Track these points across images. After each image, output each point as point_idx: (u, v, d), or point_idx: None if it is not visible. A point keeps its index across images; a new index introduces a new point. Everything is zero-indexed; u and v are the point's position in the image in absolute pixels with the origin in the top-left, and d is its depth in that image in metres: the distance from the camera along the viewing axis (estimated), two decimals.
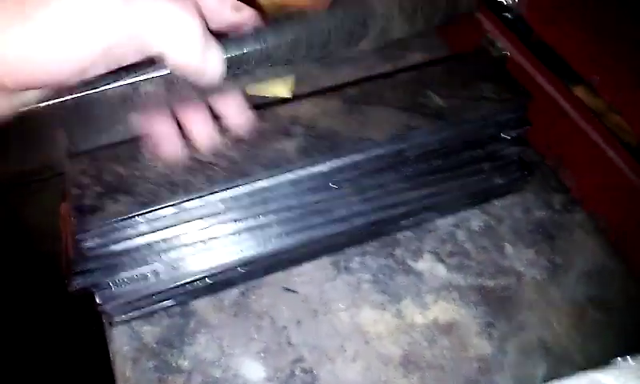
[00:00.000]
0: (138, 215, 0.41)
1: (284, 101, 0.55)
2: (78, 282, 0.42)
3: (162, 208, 0.41)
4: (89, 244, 0.41)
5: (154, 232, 0.43)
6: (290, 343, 0.44)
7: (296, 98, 0.57)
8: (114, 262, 0.43)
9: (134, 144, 0.43)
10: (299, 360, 0.43)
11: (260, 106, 0.50)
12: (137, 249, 0.43)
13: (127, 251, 0.43)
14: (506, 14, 0.59)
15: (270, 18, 0.38)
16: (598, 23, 0.53)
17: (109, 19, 0.32)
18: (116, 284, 0.43)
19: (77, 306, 0.43)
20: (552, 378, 0.41)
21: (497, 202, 0.52)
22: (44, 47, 0.31)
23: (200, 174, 0.42)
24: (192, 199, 0.42)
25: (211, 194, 0.43)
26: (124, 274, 0.43)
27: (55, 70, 0.31)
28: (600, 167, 0.49)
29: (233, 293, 0.47)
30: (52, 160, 0.97)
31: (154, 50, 0.33)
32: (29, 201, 1.04)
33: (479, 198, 0.51)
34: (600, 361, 0.41)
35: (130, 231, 0.42)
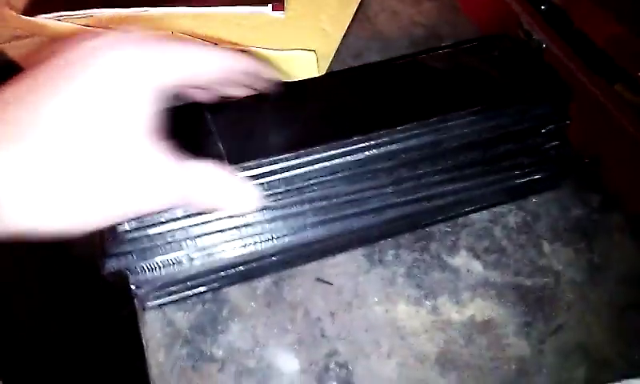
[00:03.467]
0: None
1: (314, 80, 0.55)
2: (112, 265, 0.41)
3: None
4: (124, 227, 0.40)
5: (189, 217, 0.42)
6: (324, 335, 0.43)
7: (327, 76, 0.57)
8: (148, 246, 0.42)
9: None
10: (334, 353, 0.42)
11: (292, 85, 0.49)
12: (172, 234, 0.42)
13: (162, 235, 0.42)
14: (542, 7, 0.58)
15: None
16: None
17: (159, 184, 0.31)
18: (150, 268, 0.42)
19: (110, 291, 0.42)
20: (593, 381, 0.40)
21: (533, 199, 0.51)
22: (55, 210, 0.29)
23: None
24: None
25: (246, 178, 0.42)
26: (158, 259, 0.42)
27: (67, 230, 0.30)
28: (639, 165, 0.48)
29: (266, 282, 0.46)
30: None
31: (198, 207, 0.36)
32: None
33: (516, 193, 0.50)
34: None
35: (165, 215, 0.41)
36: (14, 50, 0.89)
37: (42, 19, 0.60)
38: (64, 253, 0.45)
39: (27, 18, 0.61)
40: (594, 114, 0.50)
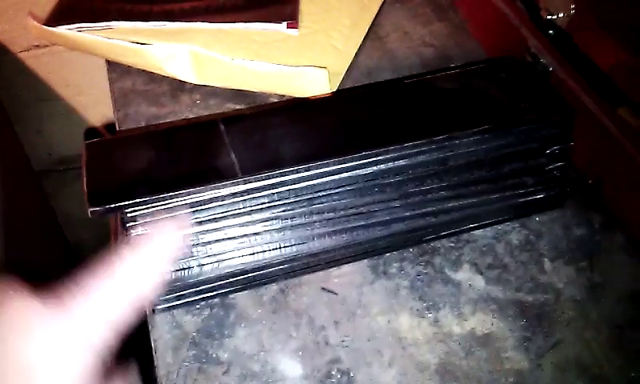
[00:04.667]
0: (185, 195, 0.41)
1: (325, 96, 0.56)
2: None
3: (209, 190, 0.42)
4: (138, 231, 0.42)
5: (200, 224, 0.44)
6: (327, 343, 0.44)
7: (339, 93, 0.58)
8: None
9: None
10: (336, 361, 0.43)
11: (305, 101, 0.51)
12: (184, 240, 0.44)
13: None
14: (550, 31, 0.60)
15: None
16: None
17: None
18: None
19: None
20: None
21: (537, 218, 0.52)
22: None
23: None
24: (237, 183, 0.43)
25: (255, 188, 0.43)
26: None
27: None
28: None
29: (272, 289, 0.47)
30: None
31: None
32: (62, 189, 1.06)
33: (519, 211, 0.52)
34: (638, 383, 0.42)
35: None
36: (32, 59, 0.92)
37: (64, 30, 0.62)
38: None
39: (49, 28, 0.63)
40: (597, 136, 0.52)
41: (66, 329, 0.33)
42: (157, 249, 0.37)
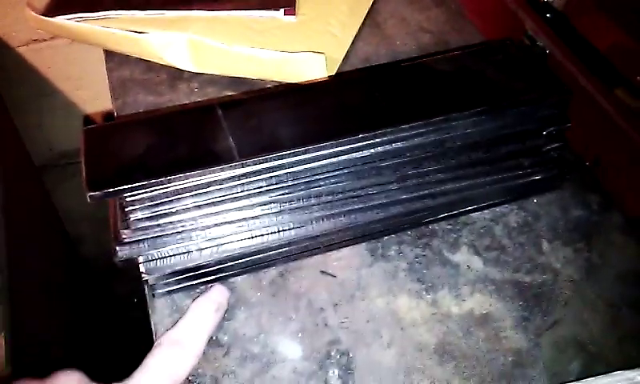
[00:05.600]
0: (183, 179, 0.42)
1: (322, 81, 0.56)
2: (125, 252, 0.43)
3: (207, 174, 0.42)
4: (137, 215, 0.42)
5: (199, 208, 0.44)
6: (326, 325, 0.45)
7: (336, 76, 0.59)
8: (159, 235, 0.43)
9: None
10: (336, 342, 0.44)
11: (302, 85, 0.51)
12: (182, 224, 0.44)
13: (173, 225, 0.44)
14: (547, 14, 0.60)
15: None
16: None
17: None
18: (160, 257, 0.44)
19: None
20: (586, 375, 0.41)
21: (534, 199, 0.52)
22: None
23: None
24: (235, 167, 0.43)
25: (253, 172, 0.44)
26: (169, 248, 0.44)
27: None
28: (638, 169, 0.49)
29: (271, 273, 0.47)
30: None
31: None
32: (63, 183, 1.06)
33: (517, 193, 0.52)
34: (635, 360, 0.42)
35: (176, 206, 0.43)
36: (31, 53, 0.92)
37: (62, 20, 0.62)
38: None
39: (47, 18, 0.63)
40: (594, 117, 0.52)
41: None
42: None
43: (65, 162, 1.06)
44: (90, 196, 0.40)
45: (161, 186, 0.41)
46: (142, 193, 0.41)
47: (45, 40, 0.91)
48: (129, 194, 0.41)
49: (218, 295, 0.45)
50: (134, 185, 0.40)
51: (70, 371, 0.39)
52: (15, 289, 0.65)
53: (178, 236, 0.44)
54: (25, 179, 0.97)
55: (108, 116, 0.98)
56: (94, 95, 0.98)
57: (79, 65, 0.94)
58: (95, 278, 1.14)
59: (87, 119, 1.01)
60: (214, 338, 0.44)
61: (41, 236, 0.96)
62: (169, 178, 0.41)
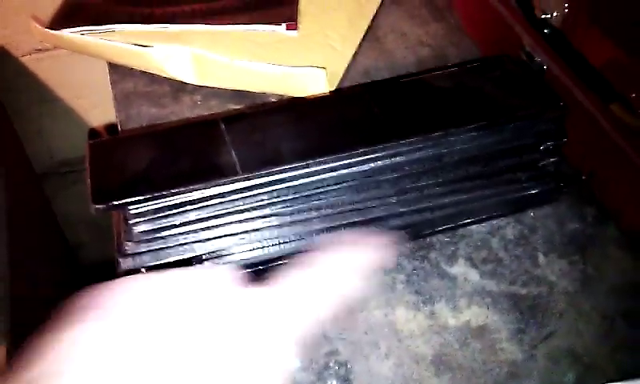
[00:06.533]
0: (186, 192, 0.43)
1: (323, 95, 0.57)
2: (128, 264, 0.44)
3: (210, 187, 0.43)
4: (140, 228, 0.43)
5: (201, 220, 0.45)
6: (325, 336, 0.45)
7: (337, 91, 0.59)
8: (162, 247, 0.44)
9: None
10: (334, 353, 0.45)
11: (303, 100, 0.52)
12: (184, 236, 0.45)
13: (175, 238, 0.44)
14: (545, 30, 0.61)
15: None
16: (638, 40, 0.54)
17: None
18: (163, 268, 0.45)
19: None
20: None
21: (531, 213, 0.53)
22: None
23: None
24: (237, 181, 0.44)
25: (255, 186, 0.44)
26: (171, 259, 0.45)
27: None
28: (633, 183, 0.50)
29: None
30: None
31: None
32: (63, 191, 1.07)
33: (514, 206, 0.53)
34: (629, 371, 0.43)
35: (179, 218, 0.44)
36: (34, 63, 0.93)
37: (67, 33, 0.63)
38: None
39: (52, 31, 0.64)
40: (590, 132, 0.53)
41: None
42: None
43: (65, 169, 1.07)
44: (95, 208, 0.41)
45: (164, 199, 0.42)
46: (146, 206, 0.42)
47: (47, 50, 0.92)
48: (133, 206, 0.42)
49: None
50: (138, 198, 0.41)
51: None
52: (16, 297, 0.66)
53: (181, 248, 0.45)
54: (25, 186, 0.98)
55: (111, 128, 0.99)
56: (94, 104, 0.99)
57: (81, 74, 0.95)
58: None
59: (92, 132, 1.02)
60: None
61: (41, 242, 0.96)
62: (172, 191, 0.42)
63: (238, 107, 0.61)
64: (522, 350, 0.45)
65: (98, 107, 0.99)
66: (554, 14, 0.59)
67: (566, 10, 0.59)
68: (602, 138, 0.52)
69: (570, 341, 0.45)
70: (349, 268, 0.40)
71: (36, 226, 0.97)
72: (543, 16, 0.60)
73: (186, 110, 0.61)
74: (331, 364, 0.44)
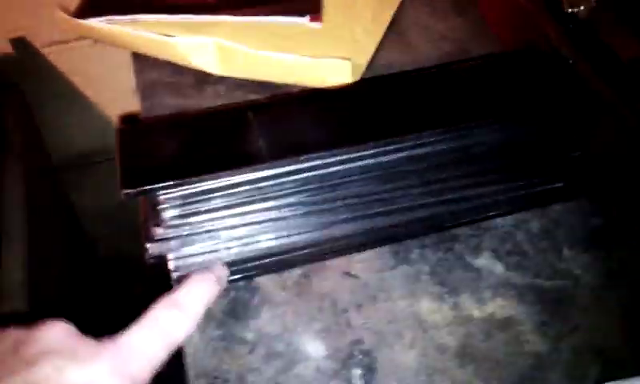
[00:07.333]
0: (215, 178, 0.43)
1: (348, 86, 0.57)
2: (155, 249, 0.44)
3: (237, 174, 0.44)
4: (168, 214, 0.43)
5: (227, 208, 0.45)
6: (349, 325, 0.46)
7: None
8: (189, 234, 0.45)
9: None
10: (358, 342, 0.45)
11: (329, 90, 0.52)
12: (211, 223, 0.45)
13: (202, 224, 0.45)
14: (571, 25, 0.61)
15: None
16: None
17: None
18: (189, 254, 0.45)
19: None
20: (604, 380, 0.42)
21: (556, 206, 0.53)
22: None
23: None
24: (264, 168, 0.44)
25: (282, 173, 0.45)
26: (198, 246, 0.45)
27: None
28: None
29: (295, 273, 0.48)
30: (105, 144, 1.00)
31: None
32: (81, 184, 1.08)
33: (539, 200, 0.52)
34: None
35: (206, 205, 0.44)
36: (54, 55, 0.94)
37: (92, 23, 0.64)
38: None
39: (78, 20, 0.64)
40: (616, 127, 0.52)
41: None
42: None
43: (83, 162, 1.08)
44: (125, 194, 0.41)
45: (192, 185, 0.43)
46: (175, 192, 0.42)
47: (68, 42, 0.92)
48: (161, 192, 0.42)
49: (219, 270, 0.45)
50: (167, 183, 0.42)
51: (57, 321, 0.36)
52: (34, 287, 0.66)
53: (207, 234, 0.45)
54: (44, 179, 0.98)
55: (129, 119, 1.00)
56: (113, 97, 1.00)
57: (100, 67, 0.95)
58: (113, 279, 1.15)
59: (126, 117, 1.02)
60: (238, 335, 0.45)
61: (58, 235, 0.97)
62: (200, 177, 0.42)
63: (261, 97, 0.61)
64: (546, 342, 0.45)
65: (117, 100, 1.00)
66: (581, 7, 0.59)
67: (594, 4, 0.59)
68: (627, 134, 0.51)
69: (594, 335, 0.45)
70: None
71: (54, 219, 0.97)
72: (570, 10, 0.60)
73: (210, 100, 0.62)
74: (355, 353, 0.44)
